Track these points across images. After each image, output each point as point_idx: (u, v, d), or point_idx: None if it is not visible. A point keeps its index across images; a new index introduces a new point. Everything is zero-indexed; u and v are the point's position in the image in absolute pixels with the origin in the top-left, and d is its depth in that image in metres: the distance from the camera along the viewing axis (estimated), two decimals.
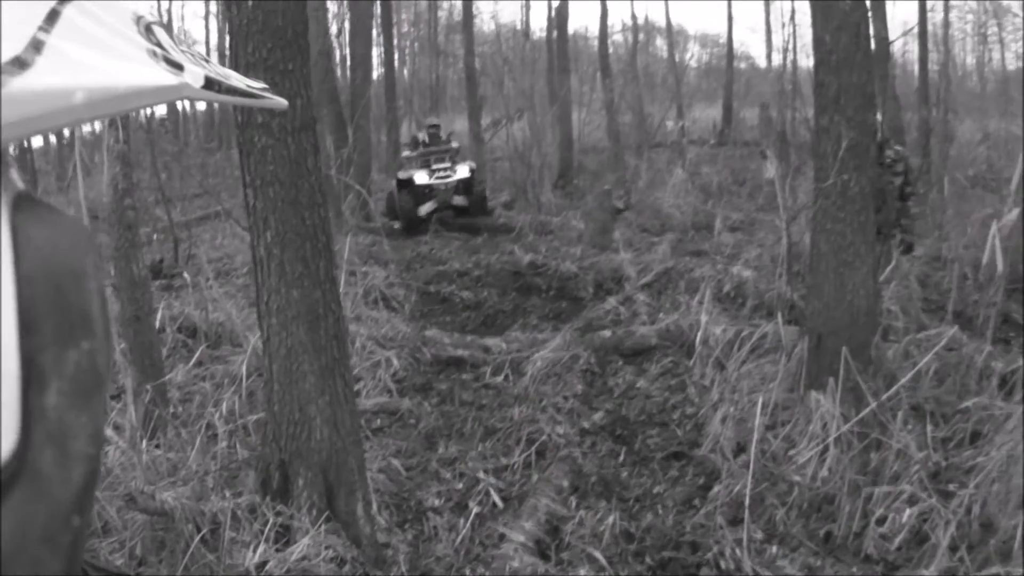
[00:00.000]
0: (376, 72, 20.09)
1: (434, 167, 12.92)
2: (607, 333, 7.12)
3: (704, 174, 14.97)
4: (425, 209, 12.73)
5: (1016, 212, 4.86)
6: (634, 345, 6.88)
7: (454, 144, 13.86)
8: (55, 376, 0.42)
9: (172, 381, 5.47)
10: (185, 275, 7.96)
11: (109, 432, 4.53)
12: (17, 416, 0.40)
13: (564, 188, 15.25)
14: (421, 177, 12.74)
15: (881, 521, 4.05)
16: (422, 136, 13.99)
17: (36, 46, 0.42)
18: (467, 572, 3.85)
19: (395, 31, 22.24)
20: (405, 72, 29.93)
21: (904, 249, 6.75)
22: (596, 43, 20.62)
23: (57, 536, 0.42)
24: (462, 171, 13.00)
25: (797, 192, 9.98)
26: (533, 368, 6.34)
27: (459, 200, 12.84)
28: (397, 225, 12.70)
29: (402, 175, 13.08)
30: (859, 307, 4.89)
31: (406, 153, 13.98)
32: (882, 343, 5.19)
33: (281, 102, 0.60)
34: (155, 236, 9.75)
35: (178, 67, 0.49)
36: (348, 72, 17.17)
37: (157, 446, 4.36)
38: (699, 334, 6.13)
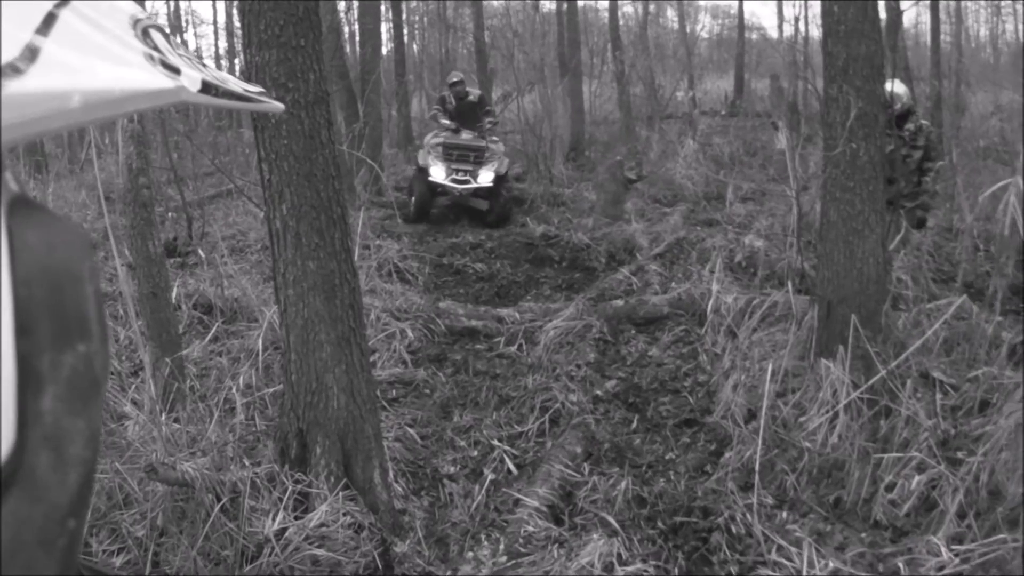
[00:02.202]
0: (385, 47, 20.04)
1: (454, 166, 11.24)
2: (619, 302, 7.16)
3: (716, 145, 14.91)
4: (440, 202, 11.65)
5: (1019, 180, 4.85)
6: (646, 314, 6.93)
7: (492, 142, 11.67)
8: (51, 380, 0.42)
9: (189, 357, 5.54)
10: (200, 252, 8.02)
11: (128, 407, 4.61)
12: (13, 419, 0.40)
13: (575, 160, 15.21)
14: (437, 173, 11.23)
15: (890, 487, 4.09)
16: (447, 95, 12.32)
17: (33, 49, 0.42)
18: (482, 537, 3.93)
19: (404, 5, 22.11)
20: (415, 47, 29.78)
21: (917, 224, 6.75)
22: (606, 15, 20.48)
23: (53, 539, 0.42)
24: (484, 178, 11.20)
25: (808, 162, 9.96)
26: (546, 338, 6.40)
27: (479, 203, 11.38)
28: (412, 207, 11.30)
29: (421, 160, 11.54)
30: (869, 275, 4.92)
31: (439, 117, 12.02)
32: (892, 311, 5.22)
33: (278, 106, 0.61)
34: (169, 215, 9.81)
35: (175, 71, 0.50)
36: (357, 48, 17.11)
37: (176, 420, 4.43)
38: (711, 303, 6.17)
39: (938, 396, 4.69)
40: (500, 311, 7.19)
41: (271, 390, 5.11)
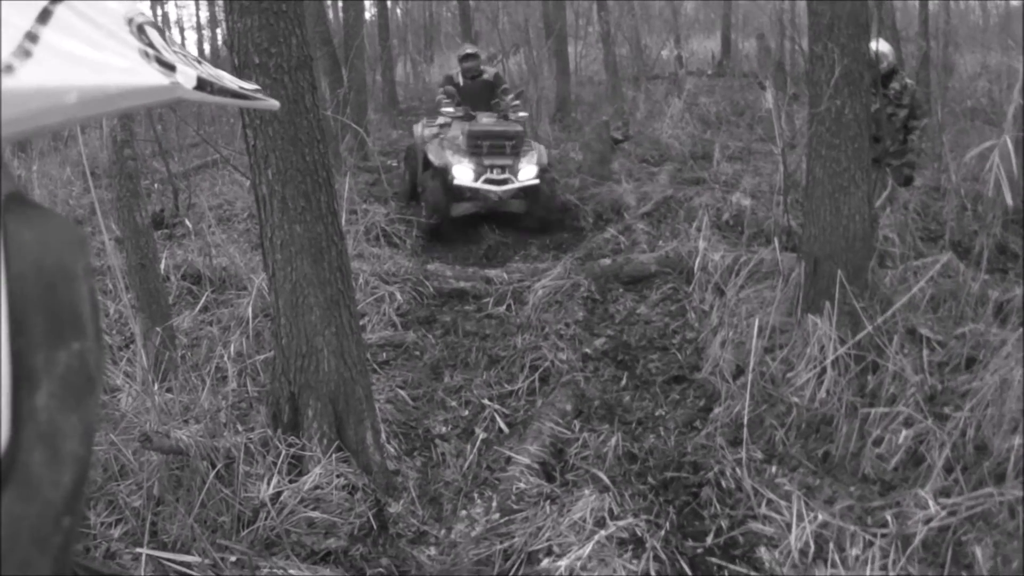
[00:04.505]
0: (368, 13, 19.85)
1: (486, 162, 8.59)
2: (607, 261, 7.18)
3: (702, 105, 14.87)
4: (461, 210, 8.79)
5: (1005, 139, 4.86)
6: (634, 272, 6.95)
7: (520, 118, 9.24)
8: (46, 377, 0.41)
9: (179, 327, 5.53)
10: (187, 223, 7.99)
11: (121, 379, 4.62)
12: (7, 417, 0.40)
13: (562, 121, 15.14)
14: (463, 174, 8.54)
15: (878, 442, 4.13)
16: (456, 72, 9.79)
17: (29, 46, 0.42)
18: (475, 495, 3.97)
19: None
20: (398, 11, 29.52)
21: (904, 181, 6.77)
22: None
23: (47, 537, 0.42)
24: (526, 172, 8.62)
25: (794, 121, 9.96)
26: (535, 297, 6.42)
27: (515, 206, 8.83)
28: (424, 216, 8.69)
29: (435, 157, 8.75)
30: (855, 232, 4.93)
31: (443, 105, 9.31)
32: (878, 268, 5.25)
33: (273, 103, 0.61)
34: (156, 186, 9.74)
35: (170, 68, 0.50)
36: (340, 13, 16.93)
37: (168, 390, 4.43)
38: (698, 260, 6.18)
39: (925, 352, 4.72)
40: (488, 272, 7.20)
41: (262, 357, 5.12)
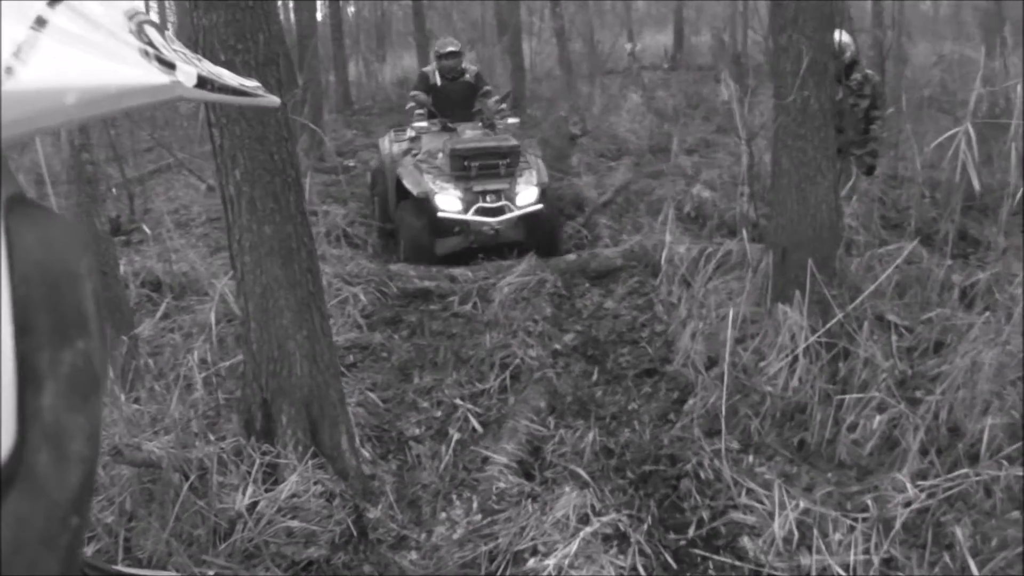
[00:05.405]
0: (319, 12, 19.65)
1: (476, 188, 7.30)
2: (572, 256, 7.16)
3: (659, 98, 14.95)
4: (448, 247, 7.55)
5: (968, 127, 4.93)
6: (599, 267, 6.95)
7: (509, 126, 8.08)
8: (51, 377, 0.42)
9: (141, 336, 5.42)
10: (145, 229, 7.84)
11: None
12: (13, 417, 0.40)
13: (519, 117, 15.14)
14: (448, 203, 7.27)
15: (852, 428, 4.15)
16: (432, 71, 8.51)
17: (28, 47, 0.42)
18: (454, 497, 3.92)
19: None
20: (350, 10, 29.26)
21: (866, 171, 6.86)
22: None
23: (55, 537, 0.42)
24: (526, 196, 7.39)
25: (753, 113, 10.03)
26: (501, 295, 6.38)
27: (515, 235, 7.52)
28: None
29: (412, 184, 7.39)
30: (822, 221, 4.97)
31: (415, 118, 8.10)
32: (845, 256, 5.29)
33: (274, 100, 0.61)
34: (112, 191, 9.57)
35: (170, 66, 0.49)
36: (292, 15, 16.76)
37: (136, 400, 4.33)
38: (664, 253, 6.19)
39: (893, 338, 4.77)
40: (452, 271, 7.13)
41: (227, 363, 5.02)
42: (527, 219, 7.46)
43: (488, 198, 7.29)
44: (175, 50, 0.52)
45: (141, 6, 0.54)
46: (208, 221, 8.66)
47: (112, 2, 0.50)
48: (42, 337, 0.41)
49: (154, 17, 0.56)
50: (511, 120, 8.20)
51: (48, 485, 0.41)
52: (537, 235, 7.53)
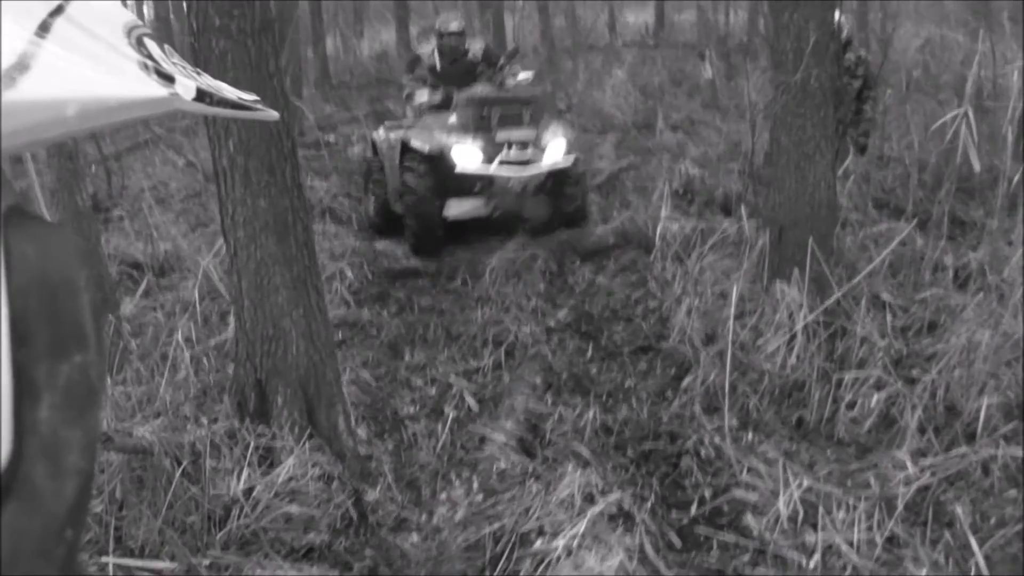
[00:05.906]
0: None
1: (499, 136, 6.47)
2: (563, 234, 7.10)
3: (643, 75, 14.88)
4: (461, 211, 6.76)
5: (967, 109, 4.92)
6: (591, 244, 6.89)
7: (522, 76, 7.23)
8: (48, 389, 0.41)
9: (122, 315, 5.30)
10: (125, 206, 7.70)
11: None
12: (10, 429, 0.40)
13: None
14: (468, 158, 6.47)
15: (851, 406, 4.15)
16: (429, 51, 7.53)
17: (29, 58, 0.41)
18: (453, 476, 3.85)
19: None
20: None
21: (859, 150, 6.87)
22: None
23: (51, 549, 0.42)
24: (554, 150, 6.61)
25: (736, 92, 10.01)
26: (491, 271, 6.31)
27: (540, 207, 6.81)
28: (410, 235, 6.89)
29: (422, 142, 6.61)
30: (820, 199, 4.95)
31: (412, 93, 7.24)
32: (842, 235, 5.28)
33: (272, 114, 0.64)
34: (92, 168, 9.40)
35: (169, 79, 0.50)
36: None
37: (122, 382, 4.22)
38: (659, 229, 6.13)
39: (888, 317, 4.76)
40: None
41: (213, 341, 4.91)
42: (554, 188, 6.68)
43: (512, 149, 6.43)
44: (174, 63, 0.54)
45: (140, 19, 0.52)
46: (187, 197, 8.53)
47: (112, 16, 0.50)
48: (40, 349, 0.41)
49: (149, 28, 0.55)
50: (523, 75, 7.26)
51: (44, 497, 0.41)
52: (564, 208, 6.79)
